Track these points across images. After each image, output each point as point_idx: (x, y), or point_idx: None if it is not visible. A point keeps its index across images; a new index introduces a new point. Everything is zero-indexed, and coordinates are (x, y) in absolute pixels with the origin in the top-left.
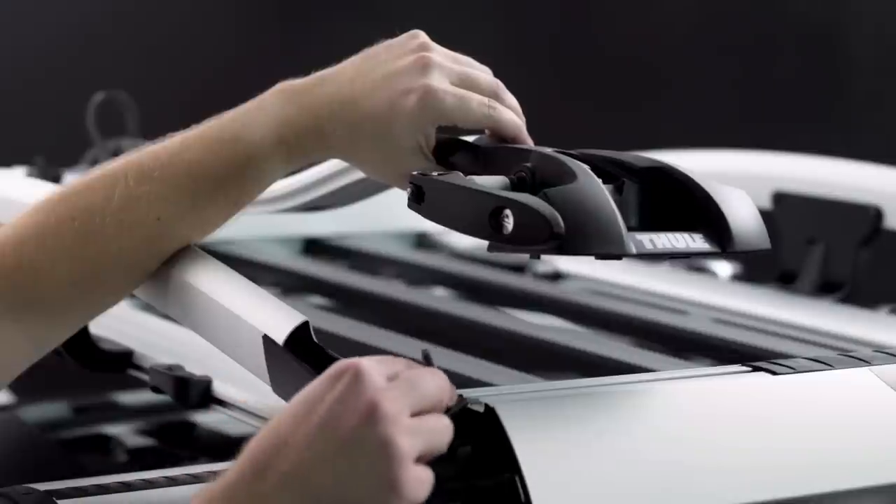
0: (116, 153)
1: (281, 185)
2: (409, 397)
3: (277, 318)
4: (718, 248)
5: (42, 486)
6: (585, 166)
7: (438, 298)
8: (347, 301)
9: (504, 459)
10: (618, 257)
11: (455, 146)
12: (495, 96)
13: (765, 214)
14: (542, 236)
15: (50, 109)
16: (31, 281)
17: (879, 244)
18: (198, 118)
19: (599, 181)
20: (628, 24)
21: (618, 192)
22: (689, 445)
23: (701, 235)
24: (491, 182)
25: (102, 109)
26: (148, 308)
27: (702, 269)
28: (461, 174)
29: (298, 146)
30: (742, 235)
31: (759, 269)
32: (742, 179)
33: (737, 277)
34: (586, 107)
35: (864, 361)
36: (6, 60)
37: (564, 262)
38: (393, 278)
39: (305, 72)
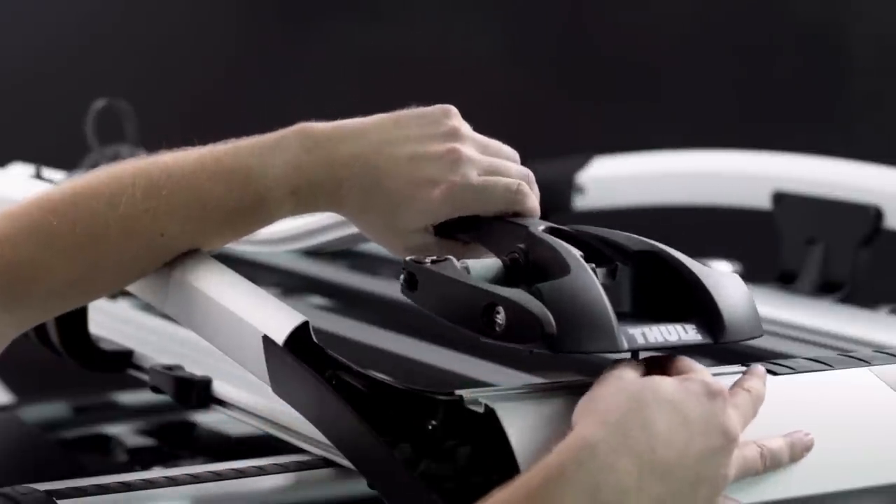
0: (114, 160)
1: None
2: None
3: (277, 318)
4: (711, 339)
5: (42, 486)
6: (578, 254)
7: None
8: (347, 301)
9: (503, 459)
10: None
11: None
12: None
13: (765, 214)
14: (533, 335)
15: (48, 114)
16: (28, 278)
17: (879, 244)
18: (197, 126)
19: (592, 272)
20: (628, 24)
21: (611, 276)
22: None
23: (693, 326)
24: (485, 266)
25: (100, 116)
26: (148, 308)
27: None
28: (454, 261)
29: (310, 197)
30: (734, 325)
31: (759, 269)
32: (742, 179)
33: None
34: (586, 106)
35: (864, 361)
36: (6, 60)
37: None
38: (393, 278)
39: (306, 77)
